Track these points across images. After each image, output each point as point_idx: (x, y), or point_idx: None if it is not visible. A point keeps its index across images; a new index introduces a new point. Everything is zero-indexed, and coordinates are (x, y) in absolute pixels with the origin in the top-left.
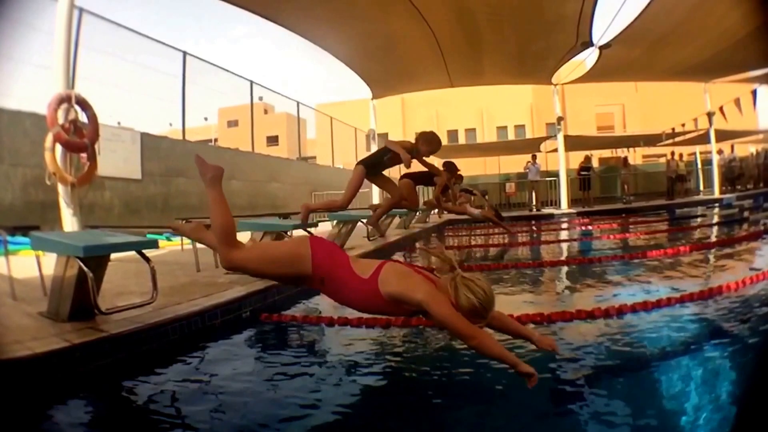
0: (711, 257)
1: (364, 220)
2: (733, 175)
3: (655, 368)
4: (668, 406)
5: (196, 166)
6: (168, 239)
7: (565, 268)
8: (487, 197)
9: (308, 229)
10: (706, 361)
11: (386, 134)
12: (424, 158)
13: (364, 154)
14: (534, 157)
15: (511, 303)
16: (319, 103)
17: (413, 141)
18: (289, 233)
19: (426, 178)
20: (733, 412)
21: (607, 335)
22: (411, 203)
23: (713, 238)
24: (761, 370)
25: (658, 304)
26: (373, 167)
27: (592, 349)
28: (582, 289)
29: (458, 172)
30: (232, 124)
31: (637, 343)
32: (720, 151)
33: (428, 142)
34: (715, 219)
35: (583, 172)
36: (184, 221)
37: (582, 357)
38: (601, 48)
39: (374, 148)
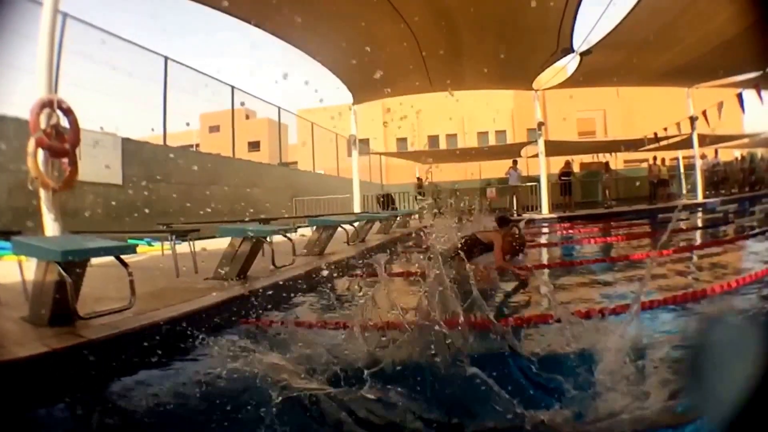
0: (696, 260)
1: (345, 225)
2: (717, 179)
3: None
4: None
5: None
6: (149, 244)
7: (546, 272)
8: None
9: (287, 234)
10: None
11: (367, 140)
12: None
13: (345, 160)
14: (515, 163)
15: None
16: (300, 108)
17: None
18: (269, 239)
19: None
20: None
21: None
22: None
23: (698, 242)
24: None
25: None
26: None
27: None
28: (564, 290)
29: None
30: (214, 129)
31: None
32: (703, 156)
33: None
34: (699, 223)
35: (563, 177)
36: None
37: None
38: (581, 54)
39: (355, 154)
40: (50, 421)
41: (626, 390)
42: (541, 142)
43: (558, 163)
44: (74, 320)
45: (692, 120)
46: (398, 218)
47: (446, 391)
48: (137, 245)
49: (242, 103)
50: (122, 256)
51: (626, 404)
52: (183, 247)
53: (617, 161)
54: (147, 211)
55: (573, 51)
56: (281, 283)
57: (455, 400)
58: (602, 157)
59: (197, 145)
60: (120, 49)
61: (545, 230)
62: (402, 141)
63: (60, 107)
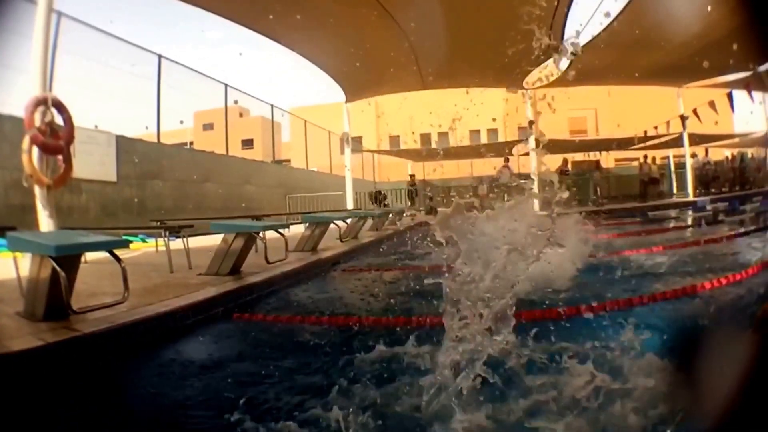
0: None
1: (338, 222)
2: (707, 178)
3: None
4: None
5: None
6: (143, 241)
7: None
8: None
9: (279, 230)
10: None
11: (360, 137)
12: None
13: (337, 157)
14: (507, 161)
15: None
16: (293, 106)
17: None
18: (261, 234)
19: None
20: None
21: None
22: None
23: (690, 239)
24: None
25: (630, 303)
26: None
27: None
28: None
29: None
30: (208, 127)
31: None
32: (694, 155)
33: None
34: (689, 221)
35: (561, 176)
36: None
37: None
38: (572, 53)
39: (348, 152)
40: (45, 415)
41: None
42: (531, 140)
43: (550, 161)
44: (68, 314)
45: (683, 119)
46: (390, 215)
47: None
48: (131, 241)
49: (236, 101)
50: (116, 252)
51: None
52: (177, 244)
53: (608, 160)
54: (141, 208)
55: (564, 50)
56: (274, 278)
57: None
58: (593, 156)
59: (191, 143)
60: (114, 47)
61: None
62: (394, 138)
63: (54, 105)
